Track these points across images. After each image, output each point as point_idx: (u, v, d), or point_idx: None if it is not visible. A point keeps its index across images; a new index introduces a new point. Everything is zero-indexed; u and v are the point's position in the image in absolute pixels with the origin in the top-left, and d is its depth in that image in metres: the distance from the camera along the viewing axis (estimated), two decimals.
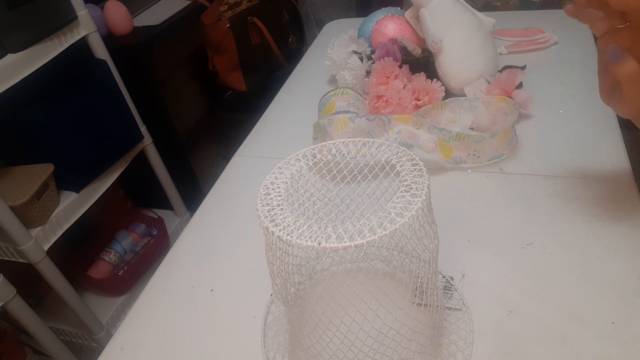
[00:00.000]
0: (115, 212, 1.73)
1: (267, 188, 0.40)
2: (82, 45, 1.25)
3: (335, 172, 0.43)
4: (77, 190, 1.26)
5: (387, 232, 0.33)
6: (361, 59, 0.85)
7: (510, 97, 0.72)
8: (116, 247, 1.62)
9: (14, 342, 1.32)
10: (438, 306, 0.43)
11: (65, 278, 1.24)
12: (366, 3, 2.05)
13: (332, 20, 1.29)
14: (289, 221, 0.36)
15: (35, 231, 1.14)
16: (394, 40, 0.82)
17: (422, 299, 0.41)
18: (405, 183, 0.38)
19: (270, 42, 1.69)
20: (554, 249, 0.54)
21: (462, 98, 0.73)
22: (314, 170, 0.45)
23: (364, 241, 0.33)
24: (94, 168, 1.31)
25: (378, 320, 0.39)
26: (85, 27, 1.23)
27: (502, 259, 0.54)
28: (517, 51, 0.93)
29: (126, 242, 1.64)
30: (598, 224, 0.56)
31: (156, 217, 1.72)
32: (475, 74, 0.78)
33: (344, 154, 0.43)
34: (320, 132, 0.71)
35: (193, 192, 1.85)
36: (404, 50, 0.82)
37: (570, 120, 0.73)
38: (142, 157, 1.54)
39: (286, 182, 0.41)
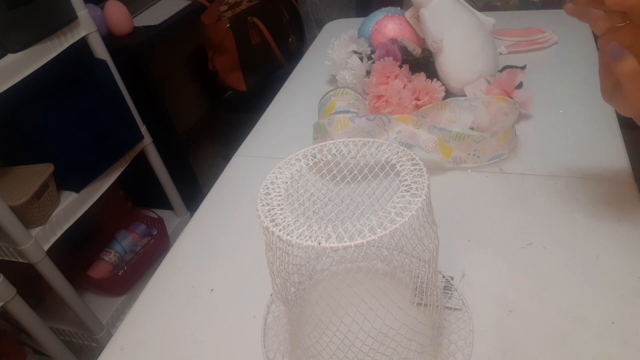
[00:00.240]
0: (115, 212, 1.73)
1: (267, 188, 0.40)
2: (82, 45, 1.25)
3: (335, 172, 0.43)
4: (77, 190, 1.26)
5: (387, 232, 0.33)
6: (361, 59, 0.85)
7: (510, 97, 0.72)
8: (116, 247, 1.62)
9: (14, 342, 1.32)
10: (438, 306, 0.43)
11: (65, 278, 1.24)
12: (366, 3, 2.05)
13: (332, 20, 1.29)
14: (289, 221, 0.36)
15: (35, 231, 1.14)
16: (394, 40, 0.82)
17: (422, 299, 0.41)
18: (405, 183, 0.38)
19: (270, 42, 1.69)
20: (554, 249, 0.54)
21: (462, 98, 0.73)
22: (314, 170, 0.45)
23: (364, 241, 0.33)
24: (94, 168, 1.31)
25: (378, 320, 0.39)
26: (85, 27, 1.23)
27: (502, 259, 0.54)
28: (517, 51, 0.93)
29: (126, 242, 1.64)
30: (598, 224, 0.56)
31: (156, 217, 1.72)
32: (475, 74, 0.78)
33: (344, 154, 0.43)
34: (320, 132, 0.71)
35: (193, 192, 1.86)
36: (404, 50, 0.82)
37: (570, 120, 0.73)
38: (142, 157, 1.54)
39: (286, 182, 0.41)
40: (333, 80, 0.96)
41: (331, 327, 0.40)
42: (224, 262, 0.62)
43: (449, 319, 0.49)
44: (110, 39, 1.51)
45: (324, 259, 0.56)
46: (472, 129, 0.73)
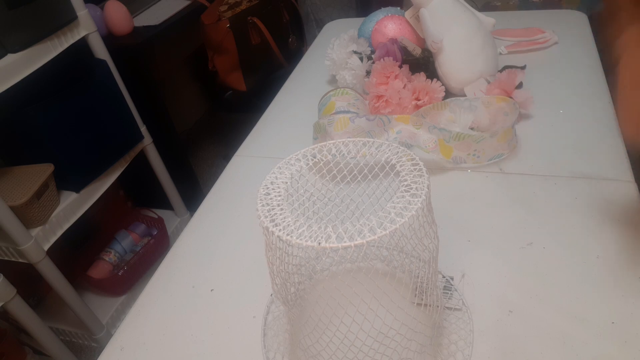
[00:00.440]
0: (115, 212, 1.73)
1: (267, 188, 0.40)
2: (82, 45, 1.25)
3: (335, 172, 0.43)
4: (77, 190, 1.26)
5: (387, 232, 0.33)
6: (361, 59, 0.85)
7: (510, 97, 0.72)
8: (116, 247, 1.62)
9: (14, 342, 1.32)
10: (438, 306, 0.43)
11: (65, 278, 1.24)
12: (366, 3, 2.05)
13: (332, 20, 1.29)
14: (289, 221, 0.36)
15: (35, 231, 1.14)
16: (394, 40, 0.82)
17: (422, 299, 0.41)
18: (405, 183, 0.38)
19: (270, 42, 1.69)
20: (554, 249, 0.54)
21: (462, 98, 0.73)
22: (314, 170, 0.45)
23: (364, 241, 0.33)
24: (94, 168, 1.31)
25: (378, 320, 0.39)
26: (85, 27, 1.23)
27: (502, 259, 0.54)
28: (517, 51, 0.93)
29: (126, 242, 1.64)
30: (598, 224, 0.56)
31: (156, 217, 1.72)
32: (475, 74, 0.78)
33: (344, 154, 0.43)
34: (320, 132, 0.71)
35: (193, 192, 1.85)
36: (404, 50, 0.82)
37: (570, 120, 0.73)
38: (142, 157, 1.53)
39: (286, 182, 0.41)
40: (333, 80, 0.96)
41: (331, 327, 0.40)
42: (224, 262, 0.62)
43: (449, 319, 0.49)
44: (110, 39, 1.51)
45: (323, 259, 0.56)
46: (472, 129, 0.73)
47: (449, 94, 0.80)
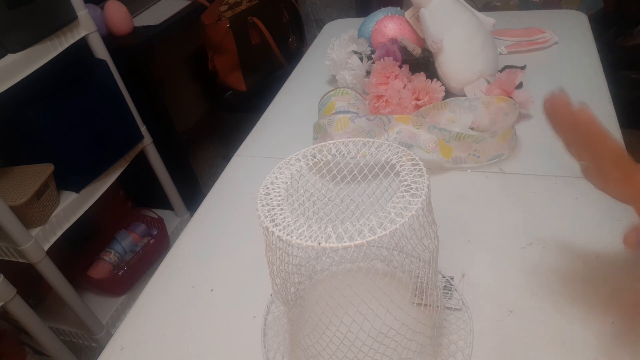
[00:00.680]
0: (115, 212, 1.73)
1: (267, 188, 0.40)
2: (82, 45, 1.25)
3: (335, 172, 0.43)
4: (77, 190, 1.26)
5: (387, 232, 0.33)
6: (361, 59, 0.85)
7: (510, 97, 0.72)
8: (116, 247, 1.62)
9: (14, 342, 1.32)
10: (438, 306, 0.43)
11: (65, 278, 1.24)
12: (366, 3, 2.05)
13: (332, 20, 1.29)
14: (289, 221, 0.36)
15: (35, 231, 1.14)
16: (394, 40, 0.82)
17: (422, 299, 0.41)
18: (405, 183, 0.38)
19: (270, 42, 1.69)
20: (554, 249, 0.54)
21: (462, 98, 0.73)
22: (314, 170, 0.45)
23: (364, 241, 0.33)
24: (94, 168, 1.31)
25: (378, 320, 0.39)
26: (85, 27, 1.23)
27: (502, 259, 0.54)
28: (517, 51, 0.93)
29: (126, 242, 1.64)
30: (598, 224, 0.56)
31: (156, 217, 1.72)
32: (475, 74, 0.78)
33: (344, 154, 0.43)
34: (320, 132, 0.71)
35: (193, 192, 1.85)
36: (404, 50, 0.82)
37: None
38: (142, 157, 1.53)
39: (286, 182, 0.41)
40: (333, 80, 0.96)
41: (331, 327, 0.40)
42: (224, 262, 0.62)
43: (449, 319, 0.49)
44: (110, 39, 1.51)
45: (323, 259, 0.56)
46: (472, 129, 0.73)
47: (449, 94, 0.80)
